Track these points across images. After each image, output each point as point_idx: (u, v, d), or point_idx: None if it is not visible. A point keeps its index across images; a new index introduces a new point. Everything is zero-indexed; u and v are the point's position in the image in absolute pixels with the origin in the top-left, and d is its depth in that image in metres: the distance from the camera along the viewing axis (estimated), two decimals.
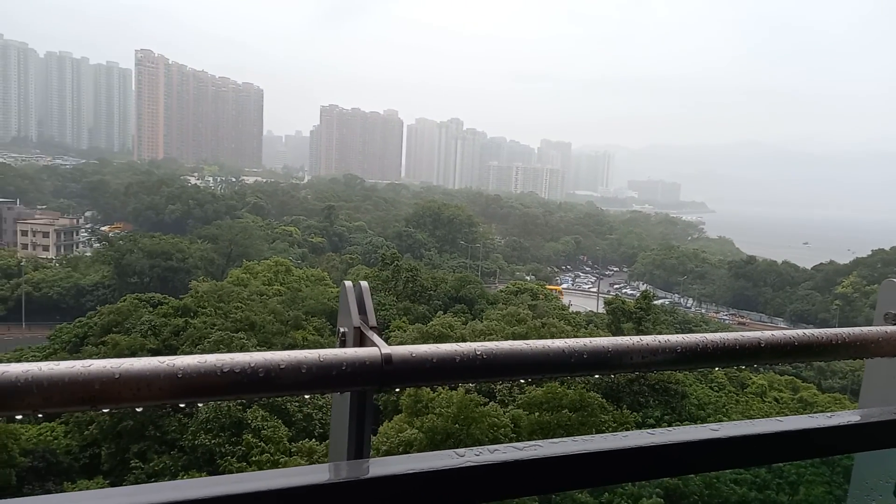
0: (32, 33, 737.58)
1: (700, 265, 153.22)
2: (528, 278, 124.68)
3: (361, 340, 1.62)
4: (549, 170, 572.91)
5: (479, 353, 1.57)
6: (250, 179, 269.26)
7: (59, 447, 35.63)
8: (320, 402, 39.36)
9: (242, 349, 39.61)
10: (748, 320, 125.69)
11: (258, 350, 40.29)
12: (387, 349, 1.48)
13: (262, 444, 32.33)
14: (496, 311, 58.39)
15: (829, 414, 2.01)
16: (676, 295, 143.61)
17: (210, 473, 31.37)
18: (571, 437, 1.67)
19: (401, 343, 36.84)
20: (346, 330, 1.67)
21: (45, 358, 44.33)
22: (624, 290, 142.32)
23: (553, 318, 55.14)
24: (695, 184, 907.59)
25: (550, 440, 1.64)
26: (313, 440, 32.19)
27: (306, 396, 34.94)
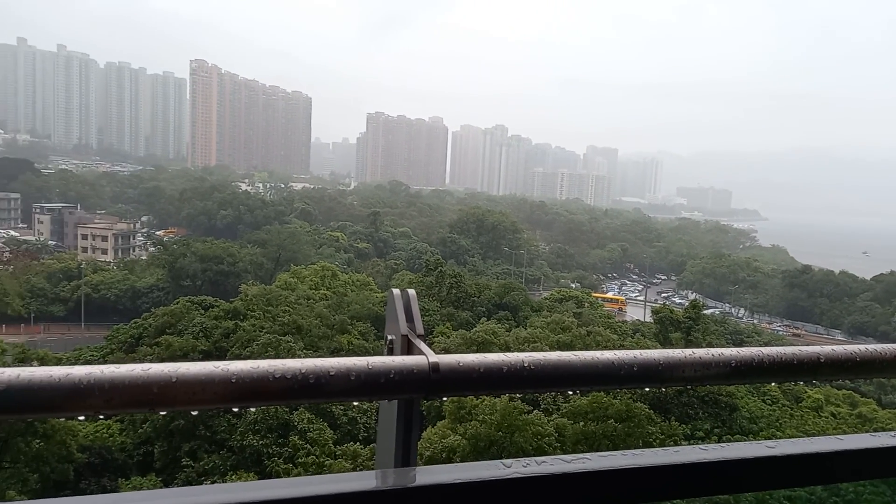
0: (94, 45, 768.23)
1: (752, 274, 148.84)
2: (573, 286, 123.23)
3: (409, 348, 1.62)
4: (595, 176, 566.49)
5: (526, 363, 1.55)
6: (298, 186, 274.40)
7: (115, 444, 36.89)
8: (365, 406, 39.74)
9: (290, 352, 40.33)
10: (803, 332, 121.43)
11: (306, 354, 40.88)
12: (434, 357, 1.49)
13: (308, 447, 32.79)
14: (540, 318, 57.94)
15: (892, 433, 1.91)
16: (727, 304, 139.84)
17: (258, 473, 32.02)
18: (621, 451, 1.63)
19: (444, 349, 36.91)
20: (394, 337, 1.67)
21: (103, 358, 46.02)
22: (672, 299, 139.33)
23: (598, 327, 54.37)
24: (747, 191, 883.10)
25: (599, 453, 1.61)
26: (357, 444, 32.49)
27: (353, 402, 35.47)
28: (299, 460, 32.00)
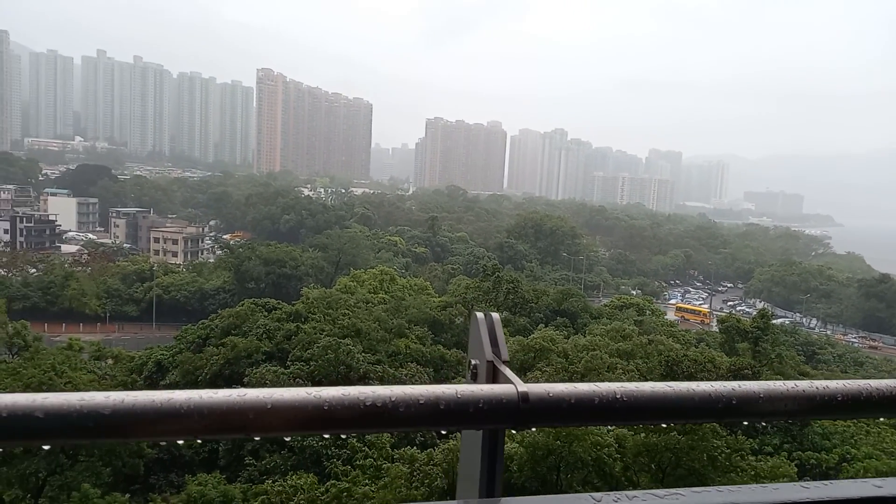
0: (169, 55, 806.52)
1: (825, 283, 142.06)
2: (633, 293, 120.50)
3: (494, 375, 1.59)
4: (658, 180, 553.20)
5: (618, 394, 1.53)
6: (358, 191, 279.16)
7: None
8: None
9: (349, 355, 40.95)
10: (881, 344, 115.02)
11: (365, 358, 41.09)
12: (523, 387, 1.45)
13: (366, 449, 33.15)
14: (600, 325, 56.90)
15: None
16: (798, 314, 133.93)
17: (317, 474, 32.56)
18: (716, 487, 1.56)
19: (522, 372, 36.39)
20: (478, 363, 1.64)
21: (172, 357, 47.82)
22: (739, 308, 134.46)
23: (660, 335, 52.93)
24: (820, 195, 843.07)
25: (693, 489, 1.55)
26: (414, 448, 32.62)
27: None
28: (357, 462, 32.39)
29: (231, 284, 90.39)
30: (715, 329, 79.83)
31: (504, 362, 1.61)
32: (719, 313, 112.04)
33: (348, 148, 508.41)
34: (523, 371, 43.39)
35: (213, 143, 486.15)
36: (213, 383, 41.73)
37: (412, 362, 45.81)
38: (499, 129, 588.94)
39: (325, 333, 44.62)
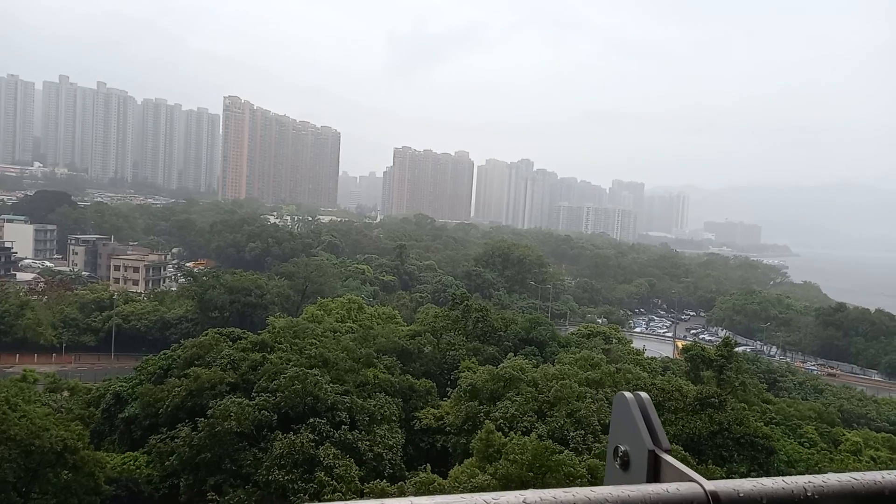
0: (133, 82, 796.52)
1: (784, 311, 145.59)
2: (599, 321, 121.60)
3: (656, 466, 1.47)
4: (622, 211, 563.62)
5: (808, 491, 1.43)
6: (326, 219, 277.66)
7: (141, 476, 36.88)
8: (390, 443, 39.25)
9: (317, 386, 40.19)
10: (838, 371, 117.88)
11: (333, 388, 40.28)
12: (710, 485, 1.34)
13: (335, 483, 32.39)
14: (568, 354, 57.04)
15: None
16: (759, 342, 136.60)
17: None
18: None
19: (471, 385, 36.11)
20: (628, 449, 1.52)
21: (132, 388, 46.23)
22: (702, 336, 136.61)
23: (628, 364, 53.35)
24: (777, 226, 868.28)
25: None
26: (384, 481, 31.98)
27: (377, 434, 34.49)
28: (325, 497, 31.57)
29: (194, 313, 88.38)
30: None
31: (665, 451, 1.50)
32: (683, 341, 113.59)
33: (315, 176, 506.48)
34: (493, 401, 43.17)
35: (177, 170, 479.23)
36: (175, 416, 40.44)
37: (381, 392, 45.18)
38: (466, 158, 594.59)
39: (291, 364, 43.78)
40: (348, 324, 66.08)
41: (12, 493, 31.05)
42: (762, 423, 45.14)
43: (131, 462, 37.53)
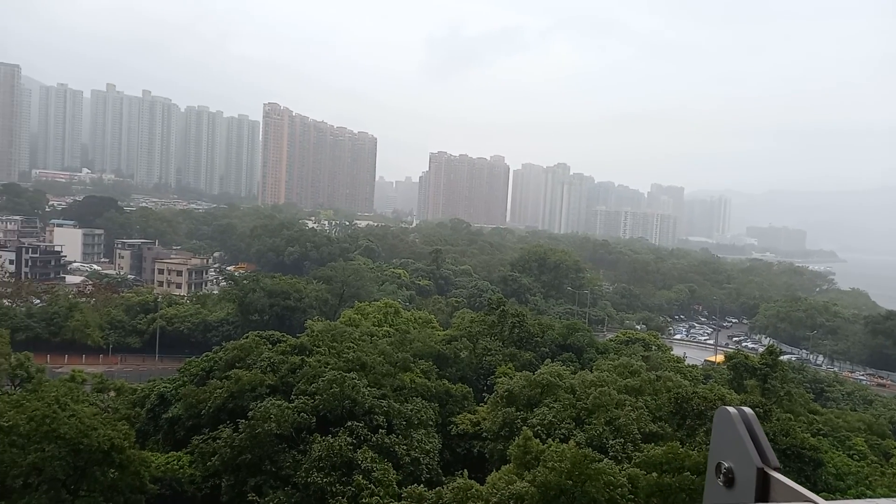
0: (174, 85, 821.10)
1: (831, 319, 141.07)
2: (638, 327, 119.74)
3: (765, 484, 1.42)
4: (660, 215, 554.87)
5: None
6: (362, 223, 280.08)
7: (184, 476, 37.62)
8: (427, 447, 39.28)
9: (354, 389, 40.49)
10: (889, 381, 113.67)
11: (370, 392, 40.68)
12: None
13: (372, 487, 32.53)
14: (607, 361, 56.31)
15: None
16: (804, 351, 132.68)
17: None
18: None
19: (508, 390, 35.94)
20: (732, 466, 1.47)
21: (175, 389, 47.25)
22: (745, 344, 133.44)
23: (668, 371, 52.34)
24: (823, 231, 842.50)
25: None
26: (422, 486, 31.98)
27: (414, 439, 34.57)
28: (363, 501, 31.75)
29: (235, 316, 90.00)
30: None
31: (775, 469, 1.43)
32: (725, 349, 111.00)
33: (352, 181, 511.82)
34: (530, 407, 42.84)
35: (218, 175, 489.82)
36: (217, 417, 41.19)
37: (417, 397, 45.26)
38: (501, 163, 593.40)
39: (329, 367, 44.16)
40: (385, 328, 66.42)
41: (62, 490, 32.02)
42: (809, 435, 43.79)
43: (175, 462, 38.32)
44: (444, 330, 72.96)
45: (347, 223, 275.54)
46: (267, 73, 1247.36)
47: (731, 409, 1.53)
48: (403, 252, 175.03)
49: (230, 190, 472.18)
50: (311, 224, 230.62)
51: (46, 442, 31.50)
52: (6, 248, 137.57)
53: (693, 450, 29.31)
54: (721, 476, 1.49)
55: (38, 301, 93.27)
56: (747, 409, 1.53)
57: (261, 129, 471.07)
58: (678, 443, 31.84)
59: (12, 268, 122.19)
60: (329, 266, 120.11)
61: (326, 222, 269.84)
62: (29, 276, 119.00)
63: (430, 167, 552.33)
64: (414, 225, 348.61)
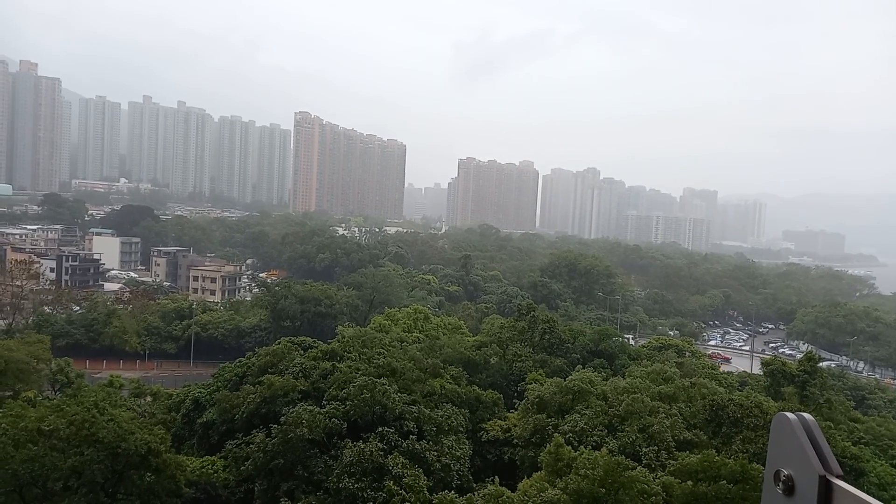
0: (209, 97, 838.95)
1: (872, 325, 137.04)
2: (671, 333, 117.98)
3: (827, 492, 1.39)
4: (693, 219, 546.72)
5: None
6: (392, 230, 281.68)
7: (218, 480, 38.14)
8: (457, 454, 39.17)
9: (385, 395, 40.63)
10: None
11: (400, 398, 40.79)
12: None
13: (403, 493, 32.55)
14: (639, 367, 55.52)
15: None
16: (845, 357, 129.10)
17: None
18: None
19: (539, 397, 35.56)
20: (792, 474, 1.43)
21: (209, 394, 47.99)
22: (782, 350, 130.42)
23: (703, 378, 51.41)
24: (862, 235, 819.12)
25: None
26: (452, 492, 31.90)
27: (445, 445, 34.45)
28: None
29: (267, 322, 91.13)
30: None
31: (838, 476, 1.40)
32: (761, 355, 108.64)
33: (382, 188, 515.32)
34: (561, 414, 42.45)
35: (251, 184, 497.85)
36: (250, 422, 41.71)
37: (448, 403, 45.20)
38: (530, 168, 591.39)
39: (360, 373, 44.39)
40: (415, 334, 66.57)
41: (100, 493, 32.73)
42: (850, 443, 42.56)
43: (209, 466, 38.87)
44: (473, 336, 72.84)
45: (377, 230, 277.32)
46: (297, 82, 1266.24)
47: (790, 415, 1.49)
48: (433, 258, 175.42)
49: (262, 198, 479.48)
50: (341, 231, 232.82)
51: (86, 446, 32.23)
52: (47, 256, 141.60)
53: (729, 458, 28.70)
54: (780, 484, 1.46)
55: (78, 308, 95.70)
56: (807, 415, 1.50)
57: (292, 138, 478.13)
58: (714, 451, 31.20)
59: (53, 275, 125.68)
60: (359, 272, 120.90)
61: (356, 229, 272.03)
62: (69, 284, 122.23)
63: (458, 173, 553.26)
64: (443, 231, 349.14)
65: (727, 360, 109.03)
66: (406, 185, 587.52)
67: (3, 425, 33.90)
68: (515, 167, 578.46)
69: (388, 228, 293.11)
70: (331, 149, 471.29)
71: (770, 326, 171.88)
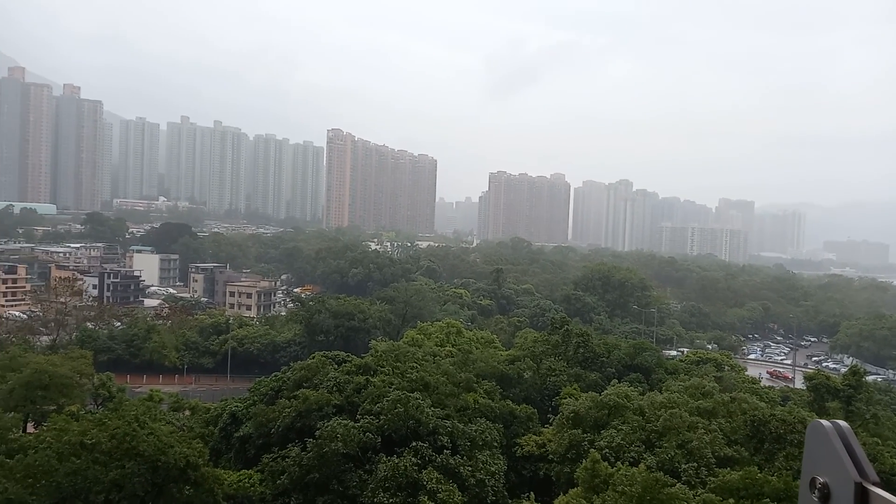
0: (247, 114, 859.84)
1: None
2: (709, 347, 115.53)
3: (864, 500, 1.39)
4: (730, 231, 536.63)
5: None
6: (423, 244, 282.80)
7: (255, 493, 38.47)
8: (492, 469, 38.86)
9: (418, 409, 40.60)
10: None
11: (434, 412, 40.68)
12: None
13: None
14: (677, 381, 54.46)
15: None
16: (891, 371, 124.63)
17: None
18: None
19: (574, 412, 35.17)
20: (827, 481, 1.42)
21: (246, 408, 48.56)
22: (825, 364, 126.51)
23: (743, 393, 50.16)
24: None
25: None
26: None
27: (479, 460, 34.17)
28: None
29: (302, 337, 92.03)
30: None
31: (874, 484, 1.40)
32: (804, 370, 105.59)
33: (413, 203, 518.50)
34: (597, 429, 41.84)
35: (285, 200, 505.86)
36: (285, 436, 42.05)
37: (481, 417, 44.95)
38: (562, 180, 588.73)
39: (394, 387, 44.46)
40: (447, 348, 66.43)
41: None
42: None
43: (246, 480, 39.24)
44: (506, 350, 72.41)
45: (409, 244, 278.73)
46: (331, 98, 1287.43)
47: (824, 422, 1.48)
48: (464, 272, 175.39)
49: (296, 214, 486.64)
50: (373, 246, 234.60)
51: (127, 459, 32.89)
52: (90, 273, 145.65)
53: (772, 475, 27.88)
54: (816, 491, 1.45)
55: (119, 324, 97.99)
56: (842, 423, 1.48)
57: (325, 155, 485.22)
58: (756, 468, 30.35)
59: (95, 292, 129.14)
60: (392, 287, 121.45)
61: (388, 244, 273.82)
62: (110, 300, 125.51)
63: (489, 187, 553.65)
64: (474, 245, 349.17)
65: (788, 380, 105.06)
66: (437, 200, 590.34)
67: (48, 439, 34.85)
68: (547, 180, 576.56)
69: (419, 243, 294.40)
70: (363, 165, 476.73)
71: (812, 339, 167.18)
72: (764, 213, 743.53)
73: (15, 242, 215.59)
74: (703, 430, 37.16)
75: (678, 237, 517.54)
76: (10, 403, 49.75)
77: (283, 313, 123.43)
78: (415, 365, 51.62)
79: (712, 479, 30.67)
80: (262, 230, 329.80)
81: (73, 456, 32.40)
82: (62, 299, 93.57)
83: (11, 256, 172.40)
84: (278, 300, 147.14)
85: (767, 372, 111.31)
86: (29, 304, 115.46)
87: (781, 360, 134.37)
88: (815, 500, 1.43)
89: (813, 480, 1.45)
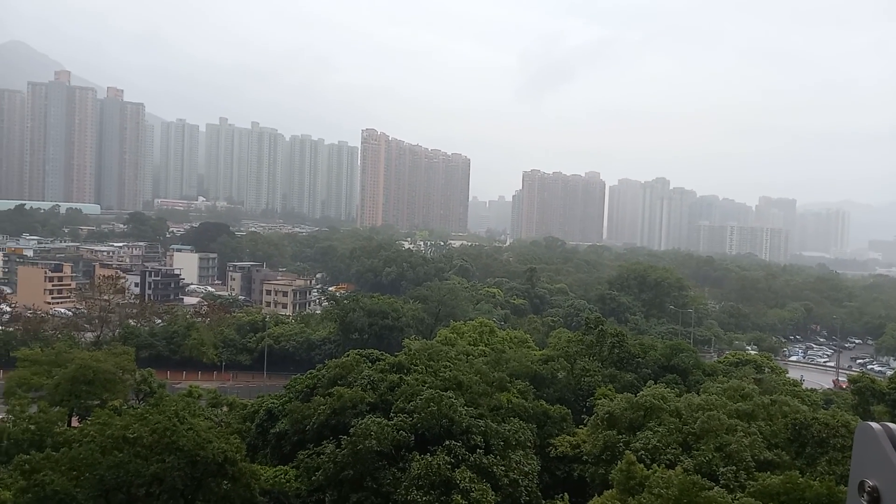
0: (283, 114, 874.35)
1: None
2: (749, 348, 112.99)
3: None
4: (771, 230, 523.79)
5: None
6: (456, 243, 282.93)
7: (291, 489, 39.00)
8: (526, 469, 38.68)
9: (451, 408, 40.62)
10: None
11: (467, 411, 40.68)
12: None
13: None
14: (715, 383, 53.37)
15: None
16: None
17: None
18: None
19: (609, 413, 34.74)
20: (876, 484, 1.40)
21: (282, 405, 49.24)
22: (871, 367, 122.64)
23: (784, 395, 48.92)
24: None
25: None
26: None
27: (513, 460, 34.08)
28: None
29: (336, 335, 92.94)
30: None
31: None
32: (849, 372, 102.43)
33: (446, 202, 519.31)
34: (632, 431, 41.28)
35: (320, 200, 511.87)
36: (320, 433, 42.51)
37: (515, 417, 44.77)
38: (597, 179, 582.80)
39: (427, 385, 44.57)
40: (480, 347, 66.32)
41: (180, 499, 34.06)
42: None
43: (282, 475, 39.80)
44: (540, 350, 71.96)
45: (442, 243, 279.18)
46: (366, 97, 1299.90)
47: (874, 424, 1.47)
48: (497, 271, 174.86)
49: (331, 213, 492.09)
50: (407, 245, 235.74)
51: (167, 453, 33.67)
52: (132, 271, 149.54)
53: (814, 480, 27.12)
54: (865, 495, 1.43)
55: (160, 321, 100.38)
56: (892, 424, 1.47)
57: (359, 155, 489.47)
58: (797, 472, 29.57)
59: (137, 290, 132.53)
60: (425, 286, 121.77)
61: (422, 243, 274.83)
62: (151, 298, 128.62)
63: (523, 185, 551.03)
64: (507, 244, 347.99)
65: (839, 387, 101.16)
66: (470, 199, 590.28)
67: (92, 432, 35.90)
68: (581, 178, 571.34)
69: (452, 242, 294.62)
70: (396, 164, 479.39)
71: (857, 341, 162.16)
72: (806, 212, 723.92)
73: (61, 241, 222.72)
74: (742, 433, 36.37)
75: (716, 236, 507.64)
76: (56, 398, 51.44)
77: (318, 311, 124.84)
78: (448, 364, 51.65)
79: (752, 483, 29.97)
80: (297, 229, 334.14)
81: (115, 449, 33.30)
82: (106, 297, 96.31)
83: (58, 255, 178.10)
84: (313, 298, 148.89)
85: (832, 380, 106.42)
86: (74, 301, 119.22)
87: (824, 362, 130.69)
88: (865, 502, 1.42)
89: (862, 483, 1.44)
